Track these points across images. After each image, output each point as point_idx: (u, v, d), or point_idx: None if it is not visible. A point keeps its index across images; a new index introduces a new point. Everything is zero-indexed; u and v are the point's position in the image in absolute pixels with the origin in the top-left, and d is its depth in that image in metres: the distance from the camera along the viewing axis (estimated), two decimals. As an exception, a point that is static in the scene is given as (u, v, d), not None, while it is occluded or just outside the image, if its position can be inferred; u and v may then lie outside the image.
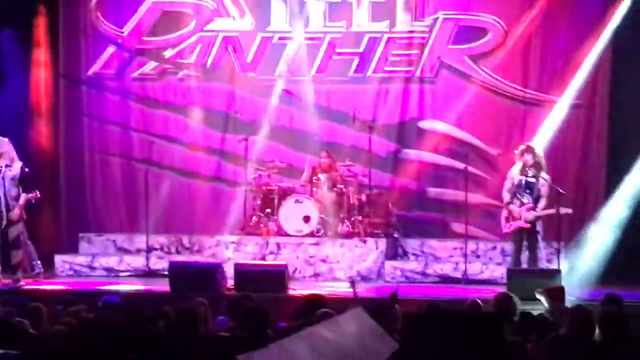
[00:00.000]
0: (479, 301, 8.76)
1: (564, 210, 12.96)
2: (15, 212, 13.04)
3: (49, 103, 15.88)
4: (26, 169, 13.15)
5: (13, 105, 15.41)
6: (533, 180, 13.11)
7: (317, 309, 8.18)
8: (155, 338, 4.75)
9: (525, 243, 13.25)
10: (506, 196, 13.31)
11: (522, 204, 13.10)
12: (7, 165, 12.96)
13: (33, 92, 15.77)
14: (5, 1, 15.38)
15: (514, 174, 13.24)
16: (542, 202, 13.11)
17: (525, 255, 13.29)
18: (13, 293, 11.72)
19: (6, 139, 13.17)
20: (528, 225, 13.07)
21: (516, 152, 13.32)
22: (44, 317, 8.13)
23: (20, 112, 15.52)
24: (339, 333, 4.48)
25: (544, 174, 13.18)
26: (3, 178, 12.99)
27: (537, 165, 13.15)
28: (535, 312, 8.40)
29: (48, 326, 7.91)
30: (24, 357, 5.78)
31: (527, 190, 13.12)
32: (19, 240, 13.13)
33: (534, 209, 13.06)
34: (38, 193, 13.28)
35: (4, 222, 13.04)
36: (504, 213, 13.37)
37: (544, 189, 13.12)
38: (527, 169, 13.09)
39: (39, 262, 13.70)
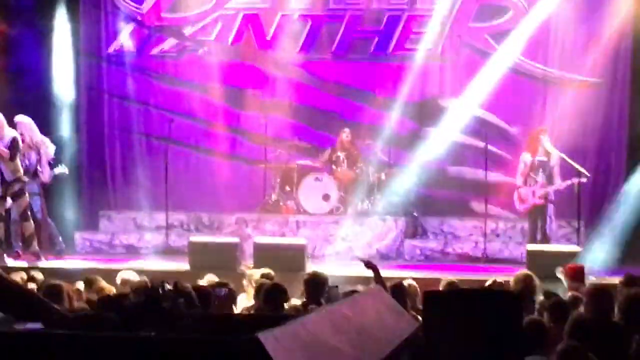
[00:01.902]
0: (501, 281, 8.80)
1: (581, 179, 12.95)
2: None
3: (70, 80, 15.90)
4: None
5: (34, 84, 15.45)
6: (544, 159, 13.13)
7: (318, 287, 8.19)
8: (175, 316, 4.76)
9: (539, 222, 13.30)
10: (519, 179, 13.34)
11: (536, 182, 13.15)
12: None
13: (54, 70, 15.79)
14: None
15: (525, 157, 13.29)
16: (557, 179, 13.11)
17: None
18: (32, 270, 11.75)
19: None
20: (542, 201, 13.10)
21: (530, 134, 13.38)
22: (64, 295, 8.16)
23: (41, 90, 15.55)
24: (359, 311, 4.50)
25: (555, 152, 13.18)
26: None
27: (547, 143, 13.17)
28: (556, 291, 8.41)
29: (68, 303, 7.95)
30: (46, 331, 5.79)
31: (540, 169, 13.15)
32: (26, 214, 13.18)
33: (547, 186, 13.10)
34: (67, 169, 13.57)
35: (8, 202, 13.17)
36: (517, 195, 13.42)
37: (557, 167, 13.12)
38: (538, 149, 13.12)
39: (60, 239, 13.78)
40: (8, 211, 13.31)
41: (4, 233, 13.35)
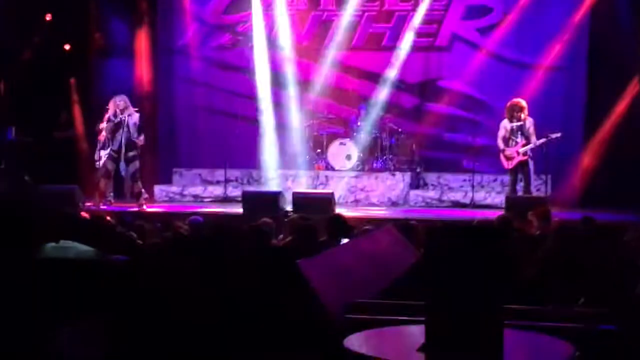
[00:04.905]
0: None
1: (554, 135, 12.74)
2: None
3: (149, 68, 15.88)
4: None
5: (122, 71, 15.45)
6: (521, 123, 12.87)
7: (339, 226, 8.09)
8: (237, 248, 4.79)
9: (520, 176, 13.12)
10: (501, 143, 13.06)
11: (517, 143, 12.94)
12: (129, 115, 12.96)
13: (137, 60, 15.77)
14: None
15: (505, 124, 13.00)
16: (533, 138, 12.87)
17: (520, 185, 13.19)
18: (125, 215, 11.73)
19: (124, 95, 13.20)
20: (525, 157, 12.84)
21: (507, 105, 13.09)
22: (146, 232, 8.19)
23: (128, 75, 15.54)
24: (374, 243, 4.47)
25: (529, 118, 12.92)
26: (127, 125, 12.95)
27: (523, 112, 12.89)
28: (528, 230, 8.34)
29: (149, 239, 7.98)
30: (130, 261, 5.82)
31: (519, 132, 12.91)
32: (136, 175, 13.14)
33: (526, 145, 12.91)
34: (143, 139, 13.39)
35: (122, 160, 13.06)
36: (502, 156, 13.18)
37: (531, 129, 12.85)
38: (514, 118, 12.85)
39: (143, 190, 13.81)
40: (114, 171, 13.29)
41: (104, 187, 13.31)
